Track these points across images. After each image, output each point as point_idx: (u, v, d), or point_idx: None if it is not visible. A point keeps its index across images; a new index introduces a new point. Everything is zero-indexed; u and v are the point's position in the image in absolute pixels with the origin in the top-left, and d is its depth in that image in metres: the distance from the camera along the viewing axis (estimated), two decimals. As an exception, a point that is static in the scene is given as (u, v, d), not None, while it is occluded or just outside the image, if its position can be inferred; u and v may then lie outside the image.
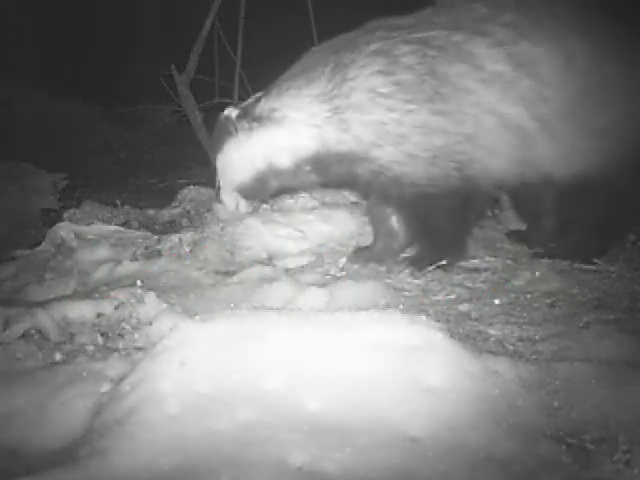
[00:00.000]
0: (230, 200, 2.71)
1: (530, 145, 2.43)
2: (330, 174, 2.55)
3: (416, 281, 2.48)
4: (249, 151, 2.55)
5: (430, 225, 2.53)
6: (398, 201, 2.54)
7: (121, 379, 1.65)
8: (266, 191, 2.67)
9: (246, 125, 2.54)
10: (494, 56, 2.37)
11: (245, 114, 2.56)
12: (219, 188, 2.75)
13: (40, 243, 3.02)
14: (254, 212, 3.04)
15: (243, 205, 2.72)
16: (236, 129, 2.56)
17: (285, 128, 2.49)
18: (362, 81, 2.36)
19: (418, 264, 2.54)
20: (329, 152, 2.46)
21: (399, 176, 2.41)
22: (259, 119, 2.52)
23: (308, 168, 2.53)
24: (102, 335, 2.08)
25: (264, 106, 2.53)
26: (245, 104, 2.64)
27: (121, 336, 2.06)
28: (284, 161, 2.52)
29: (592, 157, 2.49)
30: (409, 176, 2.41)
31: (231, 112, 2.58)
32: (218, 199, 2.79)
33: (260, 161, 2.55)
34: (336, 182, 2.68)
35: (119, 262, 2.67)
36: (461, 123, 2.37)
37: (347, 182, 2.63)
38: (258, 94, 2.65)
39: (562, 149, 2.46)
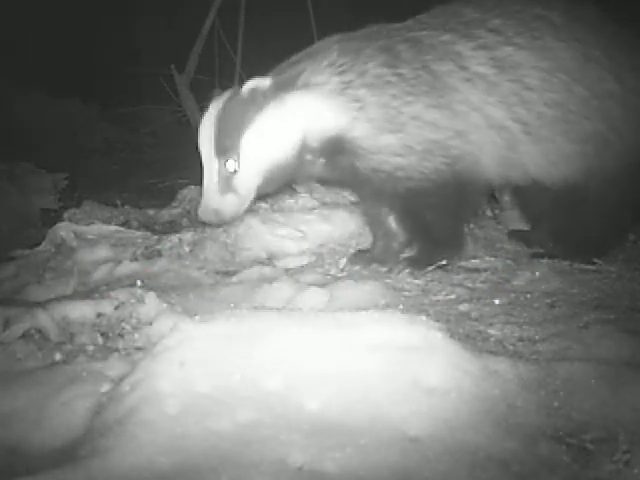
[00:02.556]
0: (245, 193, 2.39)
1: (513, 146, 2.47)
2: (335, 165, 2.50)
3: (416, 281, 2.48)
4: (285, 121, 2.38)
5: (424, 221, 2.54)
6: (392, 198, 2.54)
7: (121, 379, 1.65)
8: (293, 175, 2.50)
9: (279, 93, 2.37)
10: (478, 58, 2.44)
11: (277, 82, 2.39)
12: (230, 177, 2.36)
13: (40, 243, 3.02)
14: (254, 212, 3.04)
15: (247, 201, 2.41)
16: (267, 99, 2.36)
17: (313, 92, 2.39)
18: (372, 67, 2.40)
19: (418, 264, 2.54)
20: (344, 135, 2.40)
21: (395, 169, 2.43)
22: (289, 85, 2.39)
23: (323, 153, 2.45)
24: (102, 335, 2.08)
25: (291, 72, 2.44)
26: (270, 75, 2.45)
27: (121, 336, 2.05)
28: (314, 133, 2.40)
29: (579, 163, 2.52)
30: (405, 169, 2.43)
31: (259, 82, 2.37)
32: (211, 200, 2.40)
33: (296, 132, 2.39)
34: (337, 176, 2.62)
35: (119, 262, 2.67)
36: (452, 118, 2.42)
37: (347, 176, 2.58)
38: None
39: (546, 153, 2.50)
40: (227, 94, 2.45)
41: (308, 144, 2.42)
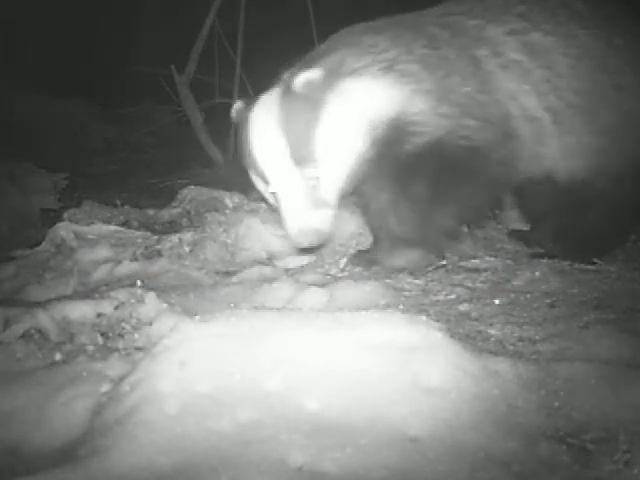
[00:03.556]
0: (334, 201, 2.15)
1: (542, 138, 2.40)
2: (383, 155, 2.26)
3: (416, 281, 2.48)
4: (352, 110, 2.17)
5: (446, 212, 2.37)
6: (427, 179, 2.31)
7: (121, 379, 1.65)
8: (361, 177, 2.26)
9: (332, 83, 2.14)
10: (510, 44, 2.36)
11: (327, 73, 2.14)
12: (314, 187, 2.12)
13: (40, 243, 3.01)
14: (254, 212, 3.04)
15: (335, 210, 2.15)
16: (323, 92, 2.14)
17: (366, 75, 2.19)
18: (417, 48, 2.28)
19: (417, 264, 2.51)
20: (404, 112, 2.22)
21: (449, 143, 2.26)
22: (336, 74, 2.17)
23: (378, 143, 2.24)
24: (102, 335, 2.08)
25: (331, 60, 2.22)
26: (305, 65, 2.22)
27: (121, 336, 2.05)
28: (376, 118, 2.21)
29: (593, 156, 2.47)
30: (457, 142, 2.27)
31: (311, 75, 2.11)
32: (309, 219, 2.11)
33: (364, 120, 2.18)
34: (379, 168, 2.34)
35: (119, 262, 2.67)
36: (496, 105, 2.33)
37: (390, 163, 2.32)
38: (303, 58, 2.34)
39: (567, 145, 2.45)
40: (271, 96, 2.20)
41: (372, 131, 2.22)
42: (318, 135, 2.13)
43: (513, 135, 2.35)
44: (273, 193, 2.23)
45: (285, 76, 2.26)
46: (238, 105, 2.33)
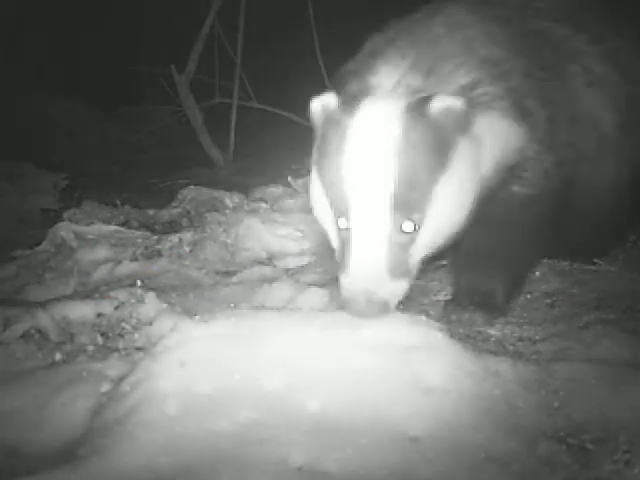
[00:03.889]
0: (416, 268, 1.71)
1: (604, 153, 2.17)
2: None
3: (416, 281, 2.48)
4: (480, 160, 1.72)
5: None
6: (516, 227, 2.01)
7: (121, 379, 1.65)
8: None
9: (470, 122, 1.68)
10: (597, 55, 2.11)
11: (466, 99, 1.67)
12: (403, 246, 1.62)
13: (40, 243, 3.02)
14: (254, 212, 3.04)
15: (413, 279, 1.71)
16: (459, 127, 1.64)
17: (495, 111, 1.78)
18: (535, 70, 1.94)
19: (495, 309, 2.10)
20: (514, 161, 1.88)
21: (540, 195, 1.96)
22: (471, 106, 1.68)
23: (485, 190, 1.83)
24: (102, 335, 2.08)
25: (461, 78, 1.76)
26: (423, 77, 1.73)
27: (121, 336, 2.06)
28: (492, 165, 1.81)
29: (622, 169, 2.29)
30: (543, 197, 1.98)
31: (453, 103, 1.62)
32: (380, 286, 1.59)
33: (489, 171, 1.78)
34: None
35: (119, 262, 2.67)
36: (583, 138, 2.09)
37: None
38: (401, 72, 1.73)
39: (619, 157, 2.23)
40: (386, 109, 1.63)
41: (486, 181, 1.81)
42: (441, 181, 1.62)
43: (575, 178, 2.09)
44: (344, 230, 1.66)
45: (382, 81, 1.73)
46: (330, 100, 1.70)
